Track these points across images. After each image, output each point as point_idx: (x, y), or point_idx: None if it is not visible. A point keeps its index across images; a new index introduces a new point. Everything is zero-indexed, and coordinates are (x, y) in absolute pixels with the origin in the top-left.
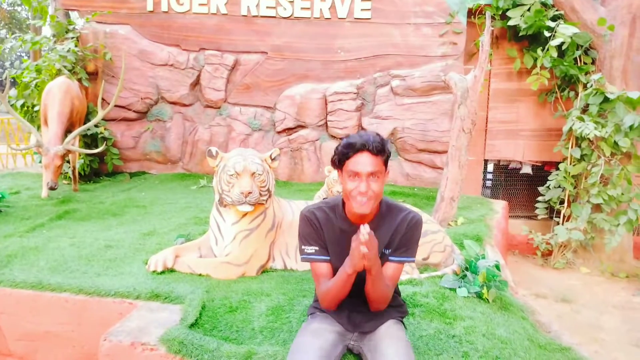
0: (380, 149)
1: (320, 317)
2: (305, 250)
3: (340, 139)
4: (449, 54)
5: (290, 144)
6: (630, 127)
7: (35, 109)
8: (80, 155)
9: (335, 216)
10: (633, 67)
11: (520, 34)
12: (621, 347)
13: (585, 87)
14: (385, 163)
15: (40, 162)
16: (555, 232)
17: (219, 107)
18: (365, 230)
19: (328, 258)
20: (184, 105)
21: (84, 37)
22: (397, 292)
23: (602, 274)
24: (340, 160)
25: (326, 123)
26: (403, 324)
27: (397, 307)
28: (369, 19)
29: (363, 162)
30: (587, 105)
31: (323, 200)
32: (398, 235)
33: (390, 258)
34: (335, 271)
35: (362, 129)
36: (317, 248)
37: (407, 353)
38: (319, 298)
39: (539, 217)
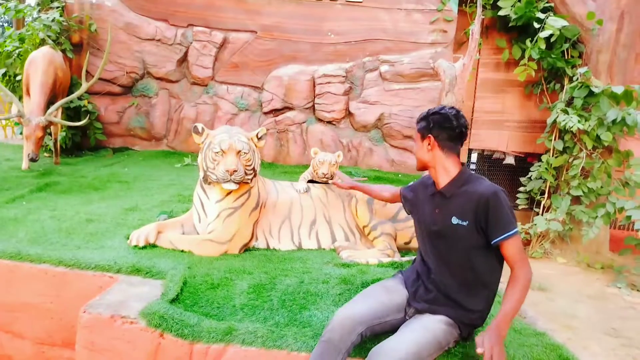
0: (417, 120)
1: (399, 278)
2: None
3: (327, 122)
4: (438, 41)
5: (277, 126)
6: (613, 122)
7: (18, 78)
8: (62, 127)
9: (430, 184)
10: (619, 62)
11: (510, 25)
12: (593, 335)
13: (571, 80)
14: (421, 130)
15: (21, 133)
16: (535, 223)
17: (205, 85)
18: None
19: (401, 203)
20: (170, 81)
21: (69, 8)
22: (482, 300)
23: (578, 265)
24: None
25: (313, 106)
26: (460, 329)
27: (465, 310)
28: (360, 2)
29: None
30: (572, 98)
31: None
32: (479, 212)
33: (495, 241)
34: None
35: (350, 113)
36: (405, 198)
37: (417, 342)
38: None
39: (520, 207)
